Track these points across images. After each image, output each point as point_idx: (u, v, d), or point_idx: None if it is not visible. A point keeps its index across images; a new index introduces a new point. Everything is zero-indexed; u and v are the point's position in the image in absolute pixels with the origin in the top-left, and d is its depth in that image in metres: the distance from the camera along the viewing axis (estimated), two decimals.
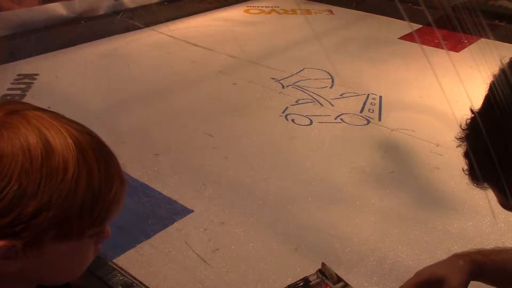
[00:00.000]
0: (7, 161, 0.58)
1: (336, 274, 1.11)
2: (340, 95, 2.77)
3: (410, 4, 3.77)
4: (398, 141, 2.34)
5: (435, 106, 2.66)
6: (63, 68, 3.01)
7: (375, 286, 1.52)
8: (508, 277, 0.97)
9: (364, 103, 2.68)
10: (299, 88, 2.84)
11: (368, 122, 2.49)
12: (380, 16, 4.14)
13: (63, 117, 0.66)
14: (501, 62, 0.73)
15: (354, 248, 1.67)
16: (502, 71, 0.71)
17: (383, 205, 1.89)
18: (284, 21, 4.08)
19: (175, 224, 1.75)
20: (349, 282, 1.11)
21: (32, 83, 2.79)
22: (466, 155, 0.77)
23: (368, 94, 2.78)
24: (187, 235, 1.70)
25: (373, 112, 2.59)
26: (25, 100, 2.59)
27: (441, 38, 3.56)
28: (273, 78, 2.95)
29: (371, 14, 4.22)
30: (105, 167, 0.65)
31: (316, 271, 1.13)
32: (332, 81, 2.94)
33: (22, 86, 2.74)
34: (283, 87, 2.85)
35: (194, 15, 4.04)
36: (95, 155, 0.64)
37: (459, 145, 0.77)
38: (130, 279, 1.28)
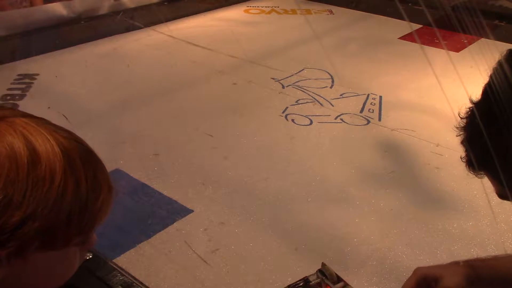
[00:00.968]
0: None
1: (336, 274, 1.11)
2: (340, 95, 2.77)
3: (410, 4, 3.78)
4: (398, 141, 2.34)
5: (435, 106, 2.66)
6: (63, 68, 3.01)
7: (375, 286, 1.52)
8: (504, 282, 0.98)
9: (364, 103, 2.68)
10: (299, 88, 2.84)
11: (368, 122, 2.49)
12: (380, 16, 4.14)
13: (51, 124, 0.65)
14: (500, 55, 0.75)
15: (354, 248, 1.67)
16: (499, 63, 0.73)
17: (383, 205, 1.89)
18: (284, 21, 4.08)
19: (175, 224, 1.75)
20: (349, 282, 1.11)
21: (32, 83, 2.79)
22: (463, 143, 0.80)
23: (368, 94, 2.78)
24: (187, 235, 1.70)
25: (373, 112, 2.59)
26: (25, 100, 2.59)
27: (441, 38, 3.56)
28: (273, 78, 2.95)
29: (371, 14, 4.22)
30: (93, 175, 0.64)
31: (316, 271, 1.13)
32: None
33: (22, 86, 2.74)
34: (283, 87, 2.85)
35: (194, 15, 4.04)
36: (83, 163, 0.63)
37: (459, 135, 0.80)
38: (130, 279, 1.28)
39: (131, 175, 2.01)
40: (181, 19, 3.93)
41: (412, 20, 3.83)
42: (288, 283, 1.14)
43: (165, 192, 1.91)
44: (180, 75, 3.00)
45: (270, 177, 2.04)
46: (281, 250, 1.65)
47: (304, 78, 2.97)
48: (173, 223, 1.75)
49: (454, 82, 2.86)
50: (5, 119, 0.61)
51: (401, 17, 3.83)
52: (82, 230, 0.64)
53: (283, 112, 2.56)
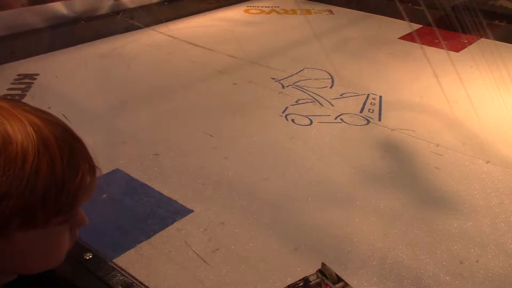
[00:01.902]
0: None
1: (336, 274, 1.11)
2: (340, 95, 2.77)
3: (410, 4, 3.78)
4: (398, 141, 2.34)
5: (435, 106, 2.66)
6: (63, 68, 3.01)
7: (375, 286, 1.52)
8: None
9: (364, 103, 2.68)
10: (299, 88, 2.84)
11: (368, 122, 2.50)
12: (380, 16, 4.14)
13: (26, 105, 0.66)
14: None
15: (354, 248, 1.67)
16: None
17: (383, 205, 1.89)
18: (284, 21, 4.08)
19: (175, 224, 1.75)
20: (349, 282, 1.11)
21: (32, 83, 2.79)
22: None
23: (368, 94, 2.78)
24: (187, 235, 1.70)
25: (373, 112, 2.59)
26: (25, 100, 2.59)
27: (441, 38, 3.56)
28: (273, 78, 2.95)
29: (371, 14, 4.22)
30: (69, 154, 0.65)
31: (316, 271, 1.13)
32: (332, 81, 2.94)
33: (22, 86, 2.74)
34: (283, 87, 2.85)
35: (194, 15, 4.04)
36: (58, 142, 0.64)
37: None
38: (130, 279, 1.28)
39: (131, 175, 2.01)
40: (181, 19, 3.93)
41: (412, 20, 3.83)
42: (288, 283, 1.14)
43: (165, 192, 1.91)
44: (180, 75, 3.01)
45: (270, 177, 2.04)
46: (281, 250, 1.65)
47: (304, 78, 2.97)
48: (173, 223, 1.75)
49: (454, 82, 2.87)
50: None
51: (401, 17, 3.83)
52: (62, 209, 0.66)
53: (283, 112, 2.56)
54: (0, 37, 3.05)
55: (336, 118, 2.53)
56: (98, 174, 0.70)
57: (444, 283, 1.54)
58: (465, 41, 3.49)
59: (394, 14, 3.99)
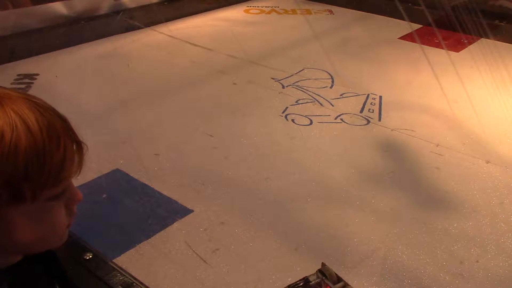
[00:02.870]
0: None
1: (336, 274, 1.11)
2: (340, 95, 2.77)
3: (410, 4, 3.78)
4: (398, 141, 2.34)
5: (435, 106, 2.66)
6: (63, 68, 3.01)
7: (375, 286, 1.52)
8: None
9: (364, 103, 2.68)
10: (299, 88, 2.84)
11: (368, 122, 2.49)
12: (380, 16, 4.14)
13: (6, 89, 0.68)
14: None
15: (354, 248, 1.67)
16: None
17: (383, 205, 1.89)
18: (284, 21, 4.08)
19: (175, 224, 1.75)
20: (349, 282, 1.11)
21: (32, 83, 2.79)
22: None
23: (368, 94, 2.78)
24: (187, 235, 1.70)
25: (373, 112, 2.59)
26: None
27: (441, 38, 3.56)
28: (273, 78, 2.95)
29: (371, 14, 4.22)
30: (48, 127, 0.66)
31: (316, 271, 1.13)
32: (332, 81, 2.94)
33: (22, 86, 2.74)
34: (283, 87, 2.85)
35: (194, 15, 4.05)
36: (36, 117, 0.66)
37: None
38: (130, 279, 1.28)
39: (131, 175, 2.01)
40: (181, 19, 3.94)
41: (412, 20, 3.83)
42: (288, 283, 1.14)
43: (165, 192, 1.91)
44: (180, 75, 3.01)
45: (270, 177, 2.04)
46: (281, 250, 1.65)
47: (304, 78, 2.97)
48: (173, 223, 1.75)
49: (454, 82, 2.87)
50: None
51: (401, 17, 3.83)
52: (49, 182, 0.66)
53: (283, 112, 2.56)
54: (0, 37, 3.05)
55: (336, 118, 2.53)
56: (85, 149, 0.72)
57: (444, 283, 1.54)
58: (465, 41, 3.49)
59: (394, 14, 3.99)
